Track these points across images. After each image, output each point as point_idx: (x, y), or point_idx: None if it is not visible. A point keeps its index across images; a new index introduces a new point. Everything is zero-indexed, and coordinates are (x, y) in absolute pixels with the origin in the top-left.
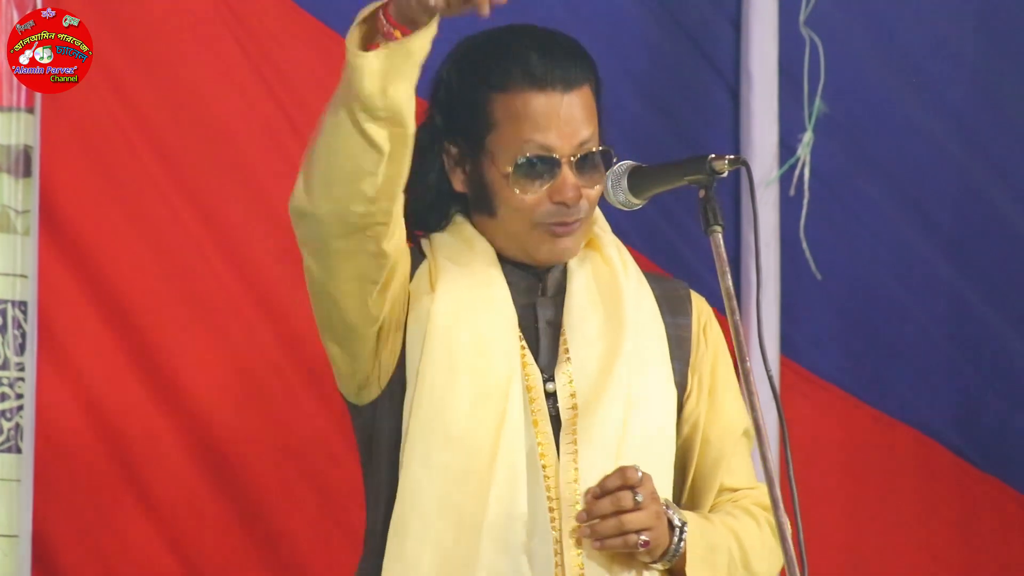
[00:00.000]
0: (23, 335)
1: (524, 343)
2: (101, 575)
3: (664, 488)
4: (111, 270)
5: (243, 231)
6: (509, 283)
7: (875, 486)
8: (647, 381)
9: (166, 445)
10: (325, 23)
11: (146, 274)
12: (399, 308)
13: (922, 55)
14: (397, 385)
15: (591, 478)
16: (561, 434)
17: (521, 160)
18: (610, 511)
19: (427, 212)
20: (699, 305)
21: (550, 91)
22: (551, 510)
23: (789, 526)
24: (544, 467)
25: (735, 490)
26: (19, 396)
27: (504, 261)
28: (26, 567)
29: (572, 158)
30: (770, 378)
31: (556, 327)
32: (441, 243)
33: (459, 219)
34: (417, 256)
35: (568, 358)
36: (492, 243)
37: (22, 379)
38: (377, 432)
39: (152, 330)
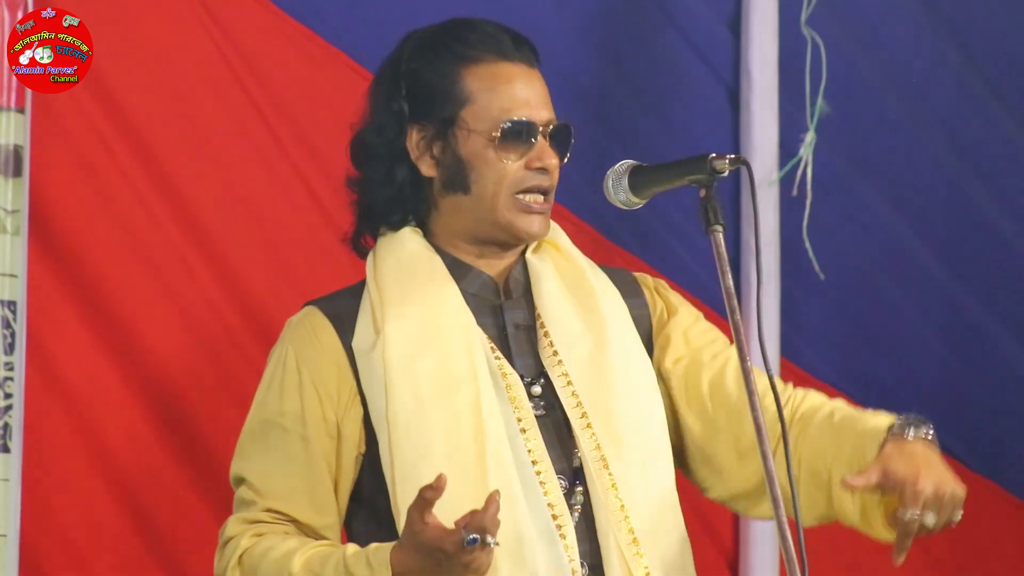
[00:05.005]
0: (12, 335)
1: (498, 352)
2: (88, 575)
3: (667, 466)
4: (100, 270)
5: (227, 233)
6: (467, 293)
7: None
8: (635, 368)
9: (153, 445)
10: (303, 23)
11: (134, 275)
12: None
13: (908, 57)
14: (369, 443)
15: (627, 477)
16: (579, 438)
17: (507, 125)
18: None
19: (390, 209)
20: (644, 279)
21: (520, 63)
22: (554, 517)
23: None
24: (538, 473)
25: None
26: (8, 396)
27: (459, 269)
28: (14, 566)
29: (545, 128)
30: (770, 378)
31: (529, 328)
32: (386, 267)
33: (406, 232)
34: (351, 302)
35: (559, 360)
36: (458, 230)
37: (11, 379)
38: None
39: (140, 331)
